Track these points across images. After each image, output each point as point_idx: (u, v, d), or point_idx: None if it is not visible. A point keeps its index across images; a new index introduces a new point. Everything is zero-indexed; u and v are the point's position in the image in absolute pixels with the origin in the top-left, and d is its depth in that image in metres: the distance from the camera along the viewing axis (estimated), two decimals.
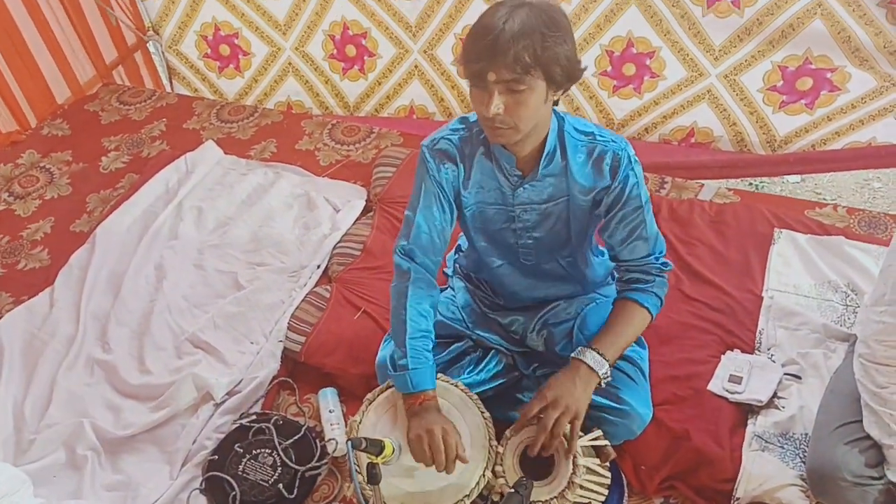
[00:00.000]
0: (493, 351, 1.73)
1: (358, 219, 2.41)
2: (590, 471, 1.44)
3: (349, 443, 1.32)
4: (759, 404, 1.69)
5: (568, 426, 1.39)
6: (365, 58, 3.14)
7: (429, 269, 1.58)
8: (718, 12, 2.55)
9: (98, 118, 3.07)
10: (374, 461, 1.34)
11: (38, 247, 2.50)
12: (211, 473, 1.77)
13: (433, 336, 1.55)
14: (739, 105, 2.73)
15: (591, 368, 1.44)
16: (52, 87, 3.11)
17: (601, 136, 1.47)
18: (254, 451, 1.80)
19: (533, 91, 1.29)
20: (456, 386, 1.54)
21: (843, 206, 2.28)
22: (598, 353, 1.46)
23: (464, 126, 1.53)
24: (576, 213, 1.53)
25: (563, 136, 1.46)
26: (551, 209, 1.53)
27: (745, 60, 2.62)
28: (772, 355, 1.81)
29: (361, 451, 1.34)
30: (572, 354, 1.48)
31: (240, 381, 1.96)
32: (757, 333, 1.87)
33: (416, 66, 3.09)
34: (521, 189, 1.50)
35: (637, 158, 1.48)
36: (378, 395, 1.54)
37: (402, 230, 1.59)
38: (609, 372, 1.47)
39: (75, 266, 2.33)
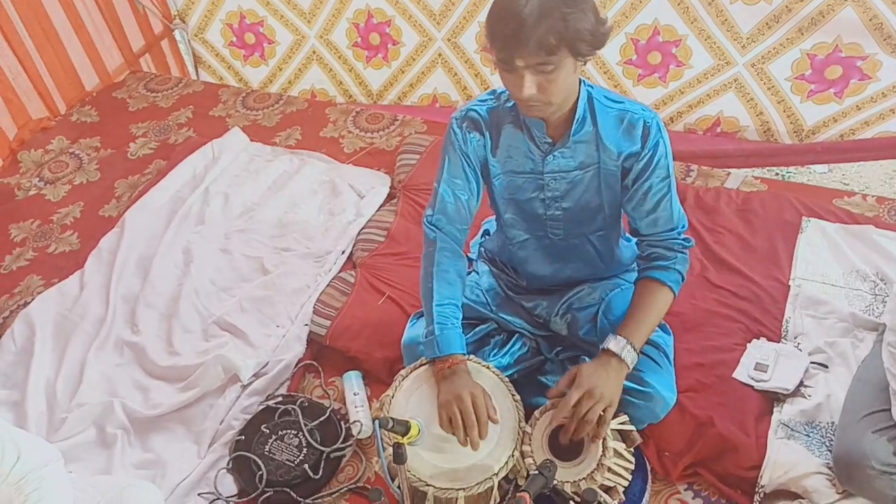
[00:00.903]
0: (516, 335, 1.74)
1: (382, 205, 2.43)
2: (617, 454, 1.45)
3: (376, 422, 1.33)
4: (786, 392, 1.68)
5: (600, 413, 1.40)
6: (389, 46, 3.15)
7: (455, 238, 1.60)
8: (746, 0, 2.52)
9: (126, 105, 3.11)
10: (400, 441, 1.36)
11: (68, 231, 2.54)
12: (238, 453, 1.80)
13: (460, 306, 1.57)
14: (767, 94, 2.70)
15: (622, 359, 1.45)
16: (81, 75, 3.16)
17: (631, 104, 1.48)
18: (280, 432, 1.82)
19: (562, 68, 1.30)
20: (488, 368, 1.55)
21: (873, 196, 2.25)
22: (626, 339, 1.46)
23: (493, 97, 1.55)
24: (608, 180, 1.53)
25: (592, 104, 1.46)
26: (581, 177, 1.53)
27: (774, 48, 2.59)
28: (798, 344, 1.80)
29: (388, 430, 1.36)
30: (602, 345, 1.48)
31: (266, 364, 1.98)
32: (783, 322, 1.86)
33: (439, 55, 3.09)
34: (552, 157, 1.50)
35: (665, 130, 1.48)
36: (411, 372, 1.55)
37: (430, 202, 1.62)
38: (636, 357, 1.47)
39: (105, 249, 2.37)
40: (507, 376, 1.58)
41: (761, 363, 1.72)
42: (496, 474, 1.39)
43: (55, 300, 2.23)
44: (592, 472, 1.38)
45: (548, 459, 1.38)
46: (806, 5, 2.45)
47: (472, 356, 1.57)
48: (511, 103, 1.51)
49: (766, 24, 2.54)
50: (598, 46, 1.34)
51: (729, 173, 2.42)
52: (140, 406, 1.93)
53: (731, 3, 2.55)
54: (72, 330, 2.14)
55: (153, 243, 2.38)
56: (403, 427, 1.37)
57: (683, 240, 1.56)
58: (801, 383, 1.70)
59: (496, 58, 1.32)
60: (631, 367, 1.46)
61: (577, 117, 1.45)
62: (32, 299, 2.23)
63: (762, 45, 2.60)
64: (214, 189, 2.56)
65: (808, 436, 1.61)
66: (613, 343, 1.46)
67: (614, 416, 1.45)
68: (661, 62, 2.79)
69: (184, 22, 3.37)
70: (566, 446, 1.43)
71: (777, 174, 2.95)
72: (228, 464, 1.81)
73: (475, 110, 1.54)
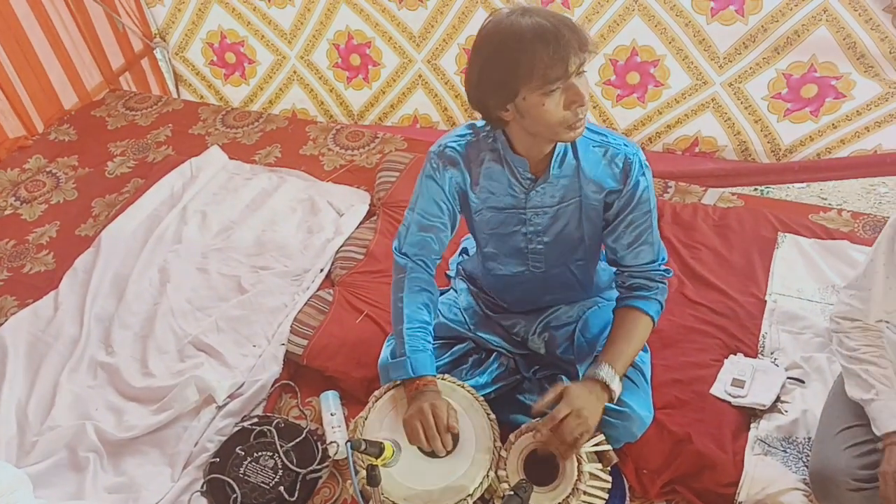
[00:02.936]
0: (494, 353, 1.73)
1: (361, 223, 2.42)
2: (593, 476, 1.44)
3: (349, 444, 1.32)
4: (762, 408, 1.68)
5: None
6: (369, 67, 3.16)
7: (425, 267, 1.60)
8: (723, 20, 2.56)
9: (104, 124, 3.09)
10: (374, 463, 1.34)
11: (44, 250, 2.51)
12: (212, 476, 1.77)
13: (431, 330, 1.56)
14: (744, 113, 2.74)
15: (606, 385, 1.44)
16: (60, 93, 3.14)
17: (614, 138, 1.48)
18: (255, 454, 1.79)
19: (585, 78, 1.33)
20: (462, 387, 1.54)
21: (848, 211, 2.28)
22: (612, 367, 1.45)
23: (471, 132, 1.53)
24: (589, 213, 1.53)
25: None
26: (562, 211, 1.53)
27: (750, 68, 2.62)
28: (775, 359, 1.80)
29: (361, 452, 1.34)
30: (591, 372, 1.47)
31: (242, 384, 1.96)
32: (760, 337, 1.86)
33: (419, 76, 3.11)
34: (534, 192, 1.50)
35: (648, 164, 1.49)
36: (384, 394, 1.54)
37: (401, 229, 1.61)
38: (620, 386, 1.46)
39: (80, 269, 2.34)
40: (484, 395, 1.57)
41: (738, 379, 1.72)
42: (471, 495, 1.38)
43: (28, 321, 2.19)
44: (568, 496, 1.37)
45: (523, 479, 1.36)
46: (781, 25, 2.49)
47: (446, 376, 1.56)
48: (491, 137, 1.49)
49: (743, 43, 2.58)
50: None
51: (706, 189, 2.44)
52: (113, 428, 1.90)
53: (708, 24, 2.58)
54: (45, 351, 2.11)
55: (129, 262, 2.35)
56: (377, 449, 1.35)
57: (664, 271, 1.57)
58: (777, 399, 1.70)
59: (539, 80, 1.28)
60: (615, 398, 1.45)
61: (556, 152, 1.45)
62: (6, 320, 2.20)
63: (739, 65, 2.64)
64: (192, 208, 2.54)
65: (784, 451, 1.61)
66: (605, 372, 1.44)
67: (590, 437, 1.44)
68: (640, 82, 2.81)
69: (164, 40, 3.37)
70: (542, 470, 1.41)
71: (755, 189, 2.98)
72: (202, 487, 1.78)
73: (452, 146, 1.52)
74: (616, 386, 1.44)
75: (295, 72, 3.27)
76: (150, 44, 3.37)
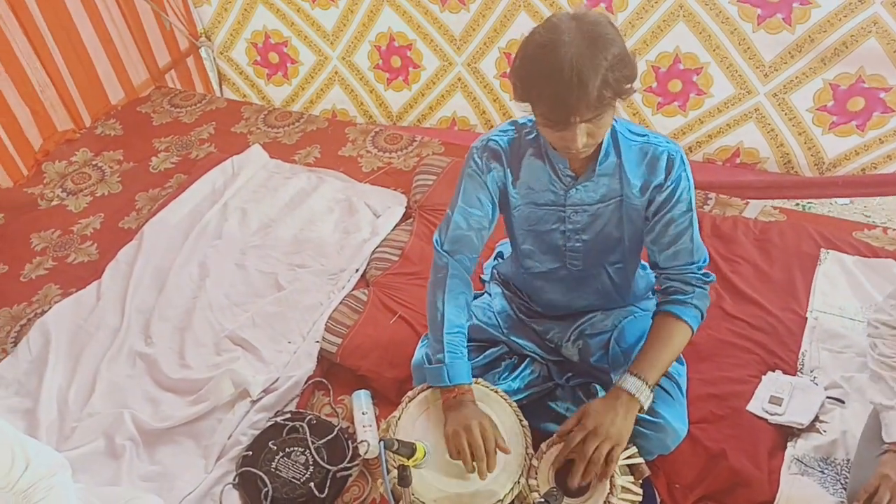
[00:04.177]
0: (527, 359, 1.72)
1: (397, 225, 2.43)
2: (624, 489, 1.42)
3: (381, 443, 1.32)
4: (800, 427, 1.65)
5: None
6: (409, 69, 3.18)
7: (465, 266, 1.60)
8: (769, 28, 2.52)
9: (150, 120, 3.16)
10: (406, 463, 1.35)
11: (88, 241, 2.58)
12: (244, 469, 1.80)
13: (466, 331, 1.57)
14: (788, 125, 2.69)
15: (633, 395, 1.42)
16: (107, 89, 3.22)
17: (655, 137, 1.47)
18: (287, 449, 1.81)
19: (609, 111, 1.31)
20: (496, 392, 1.54)
21: (894, 229, 2.22)
22: (639, 378, 1.43)
23: (513, 128, 1.54)
24: (630, 213, 1.52)
25: (616, 137, 1.46)
26: (602, 210, 1.52)
27: (796, 78, 2.58)
28: (814, 378, 1.77)
29: (393, 452, 1.35)
30: (615, 381, 1.46)
31: (276, 380, 1.98)
32: (800, 355, 1.83)
33: (459, 79, 3.12)
34: (574, 190, 1.50)
35: (688, 163, 1.48)
36: (418, 395, 1.54)
37: (441, 226, 1.61)
38: (651, 396, 1.44)
39: (122, 261, 2.40)
40: (516, 401, 1.56)
41: (776, 396, 1.69)
42: (501, 501, 1.38)
43: (71, 310, 2.25)
44: None
45: (553, 488, 1.36)
46: (829, 35, 2.44)
47: (480, 379, 1.56)
48: (532, 135, 1.49)
49: (789, 53, 2.54)
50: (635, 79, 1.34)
51: (748, 203, 2.40)
52: (150, 418, 1.94)
53: (754, 32, 2.55)
54: (86, 340, 2.16)
55: (170, 256, 2.40)
56: (409, 449, 1.36)
57: (703, 275, 1.53)
58: (816, 418, 1.66)
59: (541, 115, 1.30)
60: (646, 406, 1.43)
61: (601, 151, 1.44)
62: (49, 308, 2.26)
63: (784, 75, 2.59)
64: (233, 204, 2.58)
65: (822, 472, 1.58)
66: (629, 383, 1.43)
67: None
68: (682, 90, 2.79)
69: (209, 40, 3.43)
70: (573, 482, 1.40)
71: (797, 204, 2.93)
72: (235, 479, 1.80)
73: (496, 140, 1.53)
74: (644, 397, 1.42)
75: (336, 72, 3.30)
76: (195, 43, 3.44)
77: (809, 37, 2.47)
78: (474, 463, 1.40)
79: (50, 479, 1.39)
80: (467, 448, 1.39)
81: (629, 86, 1.30)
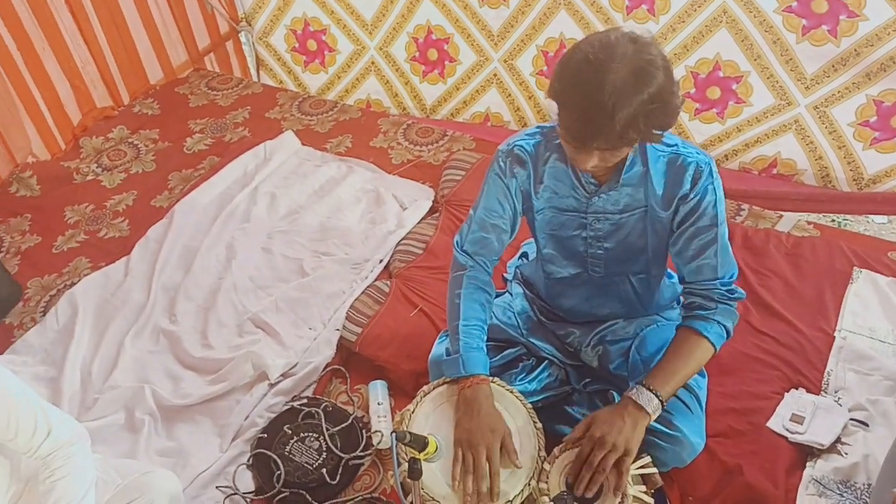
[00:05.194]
0: (546, 362, 1.71)
1: (423, 218, 2.44)
2: (636, 499, 1.41)
3: (394, 434, 1.32)
4: (821, 447, 1.62)
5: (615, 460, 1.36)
6: (446, 62, 3.17)
7: (484, 266, 1.60)
8: (814, 40, 2.46)
9: (187, 101, 3.20)
10: (417, 456, 1.34)
11: (120, 217, 2.62)
12: (259, 451, 1.82)
13: (486, 328, 1.56)
14: (828, 138, 2.63)
15: (641, 407, 1.39)
16: (147, 68, 3.26)
17: (685, 147, 1.44)
18: (302, 434, 1.83)
19: (629, 148, 1.31)
20: (511, 392, 1.53)
21: None
22: (651, 390, 1.40)
23: (540, 132, 1.52)
24: (654, 224, 1.49)
25: (644, 145, 1.42)
26: (626, 220, 1.50)
27: (838, 91, 2.52)
28: (839, 398, 1.73)
29: (405, 444, 1.35)
30: (627, 391, 1.43)
31: (295, 365, 2.00)
32: (825, 374, 1.79)
33: (494, 75, 3.10)
34: (597, 197, 1.48)
35: (719, 176, 1.44)
36: (433, 389, 1.54)
37: (463, 226, 1.61)
38: (660, 409, 1.41)
39: (152, 239, 2.44)
40: (532, 403, 1.55)
41: (798, 414, 1.66)
42: (510, 501, 1.37)
43: (100, 283, 2.29)
44: None
45: (564, 491, 1.35)
46: (875, 50, 2.38)
47: (496, 378, 1.55)
48: (558, 140, 1.46)
49: (833, 66, 2.48)
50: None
51: (781, 215, 2.35)
52: (170, 394, 1.97)
53: (798, 43, 2.49)
54: (112, 314, 2.20)
55: (198, 236, 2.43)
56: (421, 442, 1.36)
57: (728, 290, 1.48)
58: (838, 439, 1.63)
59: (563, 126, 1.28)
60: (654, 417, 1.41)
61: (626, 161, 1.42)
62: (79, 280, 2.30)
63: (826, 88, 2.54)
64: (263, 189, 2.61)
65: (841, 495, 1.55)
66: (638, 395, 1.40)
67: (636, 458, 1.41)
68: (721, 97, 2.74)
69: (250, 24, 3.45)
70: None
71: (833, 220, 2.87)
72: (249, 460, 1.82)
73: (522, 146, 1.51)
74: (652, 409, 1.39)
75: (373, 62, 3.31)
76: (235, 27, 3.47)
77: (855, 50, 2.41)
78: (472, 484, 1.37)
79: (70, 447, 1.42)
80: (471, 463, 1.37)
81: (660, 133, 1.28)
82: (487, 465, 1.37)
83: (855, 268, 2.05)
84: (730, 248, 1.48)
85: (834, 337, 1.88)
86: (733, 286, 1.49)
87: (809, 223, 2.31)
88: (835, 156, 2.66)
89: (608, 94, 1.18)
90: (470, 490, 1.36)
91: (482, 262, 1.59)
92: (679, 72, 2.72)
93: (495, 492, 1.36)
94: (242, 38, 3.59)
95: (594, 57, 1.21)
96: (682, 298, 1.58)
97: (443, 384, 1.54)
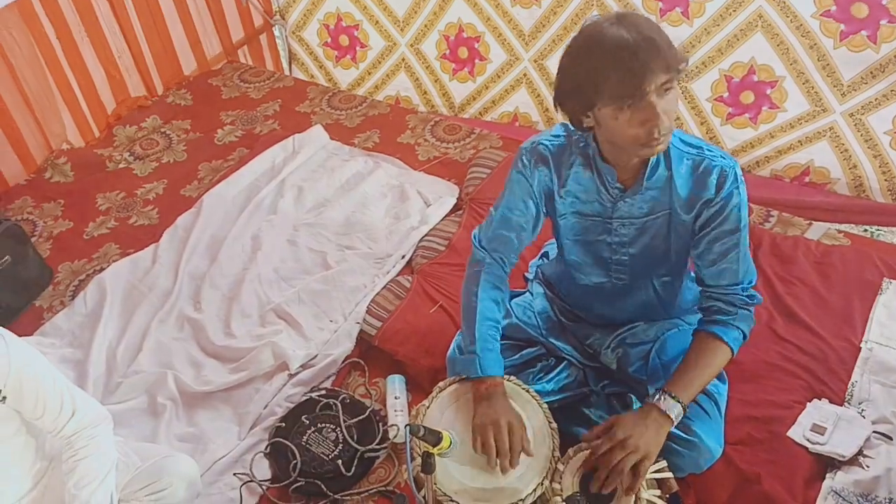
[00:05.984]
0: (564, 362, 1.71)
1: (447, 215, 2.44)
2: (649, 503, 1.40)
3: (408, 428, 1.33)
4: (842, 459, 1.59)
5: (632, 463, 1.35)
6: (476, 61, 3.17)
7: (501, 263, 1.59)
8: (852, 46, 2.41)
9: (219, 92, 3.24)
10: (431, 451, 1.35)
11: (150, 205, 2.67)
12: (276, 439, 1.84)
13: (501, 328, 1.56)
14: (863, 147, 2.58)
15: (665, 414, 1.39)
16: (181, 59, 3.31)
17: (710, 150, 1.42)
18: (319, 425, 1.85)
19: (676, 89, 1.28)
20: (527, 391, 1.53)
21: None
22: (672, 396, 1.40)
23: (564, 133, 1.51)
24: (677, 228, 1.48)
25: (667, 147, 1.41)
26: (650, 223, 1.48)
27: (875, 99, 2.46)
28: (862, 410, 1.70)
29: (419, 438, 1.35)
30: (648, 397, 1.43)
31: (315, 356, 2.02)
32: (849, 385, 1.76)
33: (524, 75, 3.09)
34: (622, 202, 1.47)
35: (743, 180, 1.42)
36: (449, 385, 1.55)
37: (484, 223, 1.61)
38: (682, 415, 1.41)
39: (180, 227, 2.48)
40: (549, 403, 1.55)
41: (819, 425, 1.64)
42: (523, 500, 1.37)
43: (128, 269, 2.34)
44: None
45: (576, 492, 1.34)
46: None
47: (512, 377, 1.55)
48: (583, 141, 1.46)
49: (871, 73, 2.42)
50: None
51: (811, 223, 2.31)
52: (191, 381, 1.99)
53: (835, 49, 2.44)
54: (139, 299, 2.24)
55: (226, 227, 2.47)
56: (434, 437, 1.36)
57: (748, 296, 1.47)
58: (859, 452, 1.60)
59: (610, 98, 1.25)
60: (675, 423, 1.40)
61: (650, 163, 1.41)
62: (108, 266, 2.35)
63: (863, 95, 2.48)
64: (290, 182, 2.63)
65: None
66: (662, 402, 1.40)
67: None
68: (754, 102, 2.70)
69: (283, 18, 3.49)
70: (599, 492, 1.38)
71: (864, 230, 2.80)
72: (266, 449, 1.84)
73: (545, 145, 1.50)
74: (675, 417, 1.39)
75: (403, 59, 3.32)
76: (269, 20, 3.50)
77: (895, 57, 2.35)
78: (497, 459, 1.39)
79: (93, 429, 1.45)
80: (493, 443, 1.39)
81: (684, 65, 1.28)
82: (508, 442, 1.39)
83: (885, 279, 2.01)
84: (750, 255, 1.47)
85: (860, 348, 1.84)
86: (752, 291, 1.48)
87: (840, 232, 2.27)
88: (870, 165, 2.60)
89: (637, 34, 1.22)
90: (493, 463, 1.38)
91: (499, 258, 1.59)
92: (712, 75, 2.69)
93: (514, 465, 1.39)
94: (276, 32, 3.63)
95: (600, 25, 1.26)
96: (700, 303, 1.56)
97: (459, 381, 1.55)
